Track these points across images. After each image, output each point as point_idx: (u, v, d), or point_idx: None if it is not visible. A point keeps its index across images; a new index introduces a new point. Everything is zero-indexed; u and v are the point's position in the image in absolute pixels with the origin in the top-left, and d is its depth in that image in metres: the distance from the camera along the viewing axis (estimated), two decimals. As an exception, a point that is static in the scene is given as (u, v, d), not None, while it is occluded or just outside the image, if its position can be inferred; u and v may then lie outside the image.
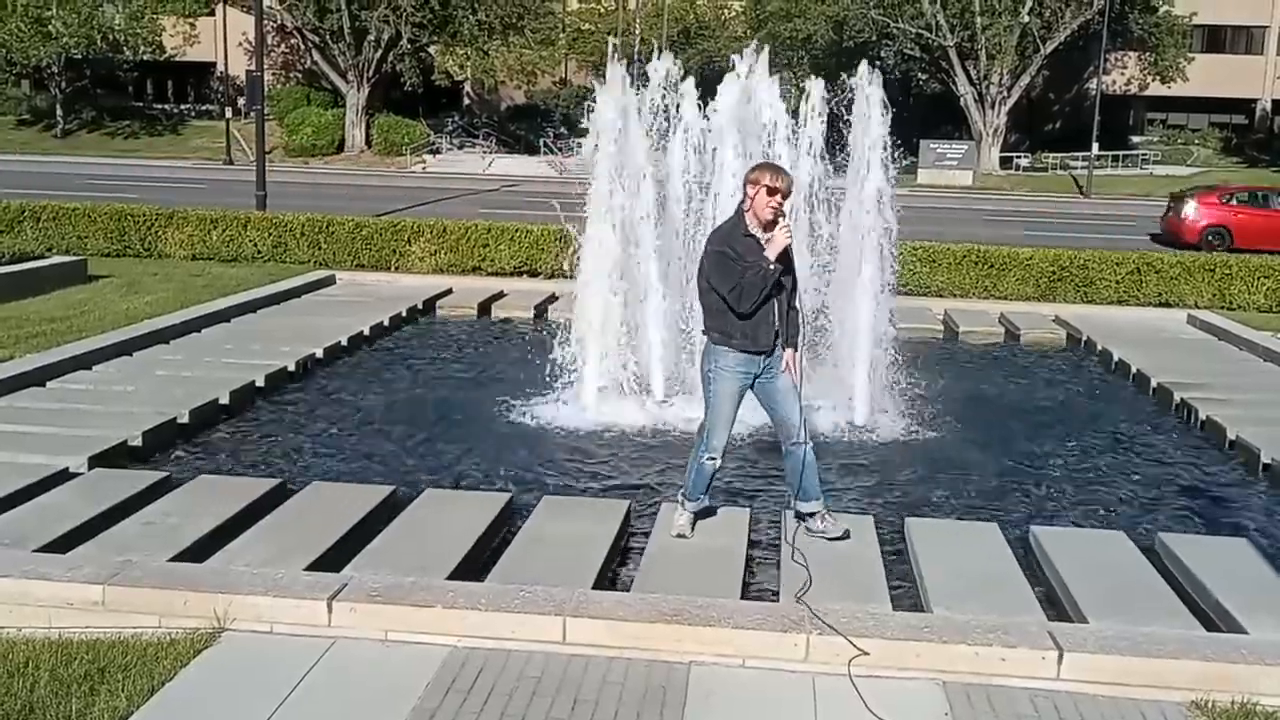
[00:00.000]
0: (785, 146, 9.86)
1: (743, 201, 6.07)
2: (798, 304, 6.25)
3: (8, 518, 6.20)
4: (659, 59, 9.65)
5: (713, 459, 6.19)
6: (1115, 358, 12.01)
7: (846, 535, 6.18)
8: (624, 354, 9.37)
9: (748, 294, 5.88)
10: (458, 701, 4.54)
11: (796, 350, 6.17)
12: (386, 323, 12.66)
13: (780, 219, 5.89)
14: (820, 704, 4.65)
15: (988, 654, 4.86)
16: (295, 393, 9.78)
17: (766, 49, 9.78)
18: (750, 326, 5.97)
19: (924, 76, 52.50)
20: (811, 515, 6.22)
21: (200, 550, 5.84)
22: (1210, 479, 8.23)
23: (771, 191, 5.87)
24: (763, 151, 9.54)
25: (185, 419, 8.38)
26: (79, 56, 50.55)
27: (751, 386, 6.13)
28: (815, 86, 9.74)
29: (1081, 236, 26.88)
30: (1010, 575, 5.92)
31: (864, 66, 9.52)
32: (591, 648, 4.95)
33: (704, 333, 6.23)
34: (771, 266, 5.85)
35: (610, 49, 9.37)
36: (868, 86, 9.38)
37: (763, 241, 5.92)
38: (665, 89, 9.64)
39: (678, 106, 9.77)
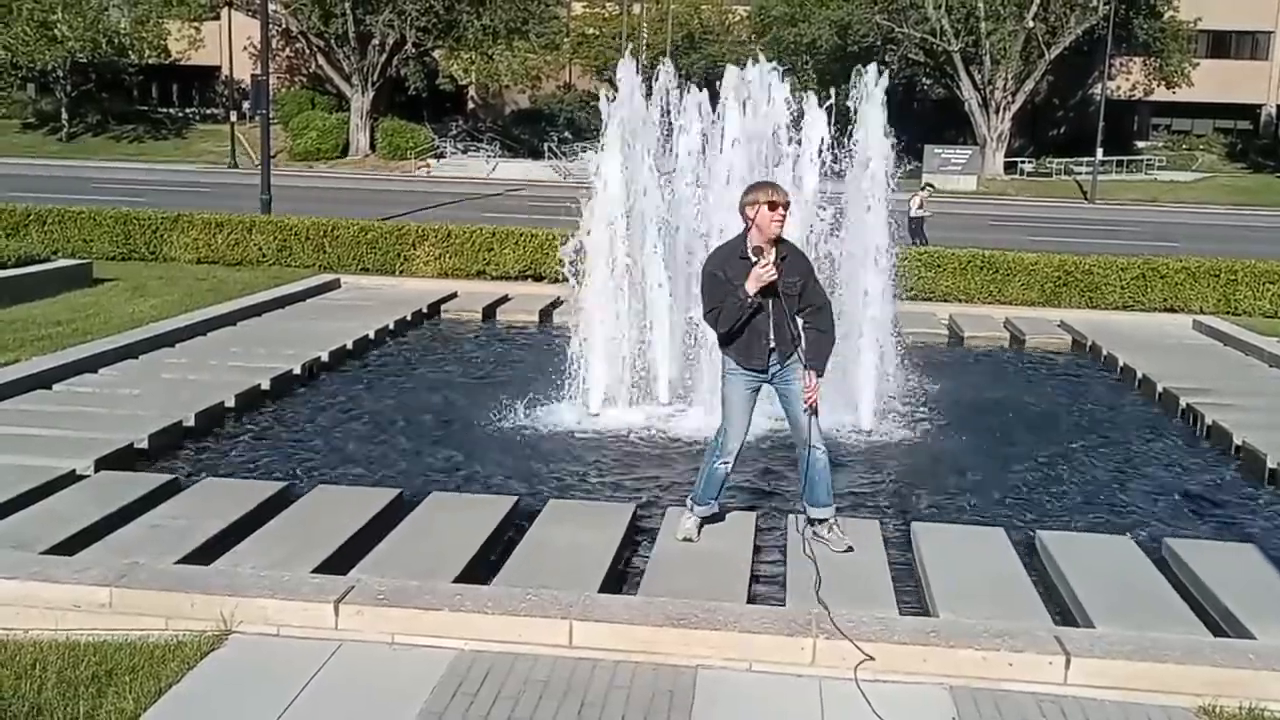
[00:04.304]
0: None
1: (747, 225, 5.99)
2: (828, 327, 6.04)
3: (15, 520, 6.20)
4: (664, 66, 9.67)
5: (725, 464, 6.18)
6: (1121, 363, 12.00)
7: (850, 550, 6.13)
8: (629, 358, 9.37)
9: (724, 319, 5.90)
10: (464, 705, 4.54)
11: (820, 374, 5.93)
12: (392, 326, 12.68)
13: (763, 257, 5.76)
14: (827, 708, 4.65)
15: (995, 659, 4.86)
16: (301, 396, 9.79)
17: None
18: (741, 345, 5.98)
19: (928, 82, 52.49)
20: (820, 523, 6.21)
21: (207, 553, 5.85)
22: (1216, 484, 8.22)
23: (773, 206, 5.84)
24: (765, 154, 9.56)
25: (191, 422, 8.39)
26: (84, 60, 50.67)
27: (771, 381, 6.07)
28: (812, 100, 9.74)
29: (1086, 241, 26.86)
30: (1017, 580, 5.91)
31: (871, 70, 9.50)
32: (598, 651, 4.95)
33: None
34: (749, 300, 5.80)
35: (627, 57, 9.33)
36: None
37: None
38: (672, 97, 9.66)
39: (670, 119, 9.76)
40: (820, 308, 6.07)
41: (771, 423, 7.97)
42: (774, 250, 5.84)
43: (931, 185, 27.15)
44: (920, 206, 22.83)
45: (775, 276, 5.77)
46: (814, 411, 5.96)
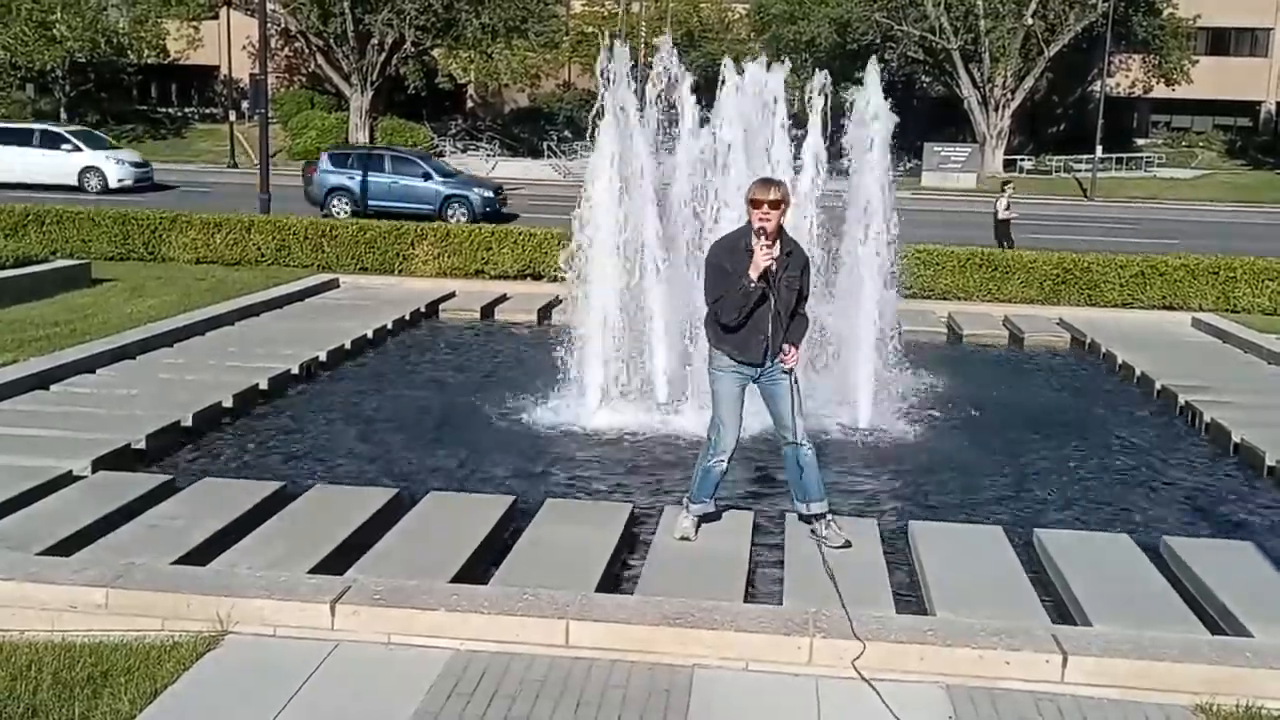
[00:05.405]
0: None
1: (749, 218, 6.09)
2: (805, 311, 6.25)
3: (12, 521, 6.20)
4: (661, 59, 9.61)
5: (721, 462, 6.19)
6: (1119, 360, 11.99)
7: (848, 545, 6.14)
8: (627, 357, 9.35)
9: (727, 309, 5.94)
10: (460, 705, 4.54)
11: (796, 347, 6.13)
12: (390, 326, 12.67)
13: (762, 237, 5.86)
14: (824, 707, 4.64)
15: (992, 657, 4.85)
16: (298, 396, 9.78)
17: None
18: (739, 338, 6.01)
19: (928, 79, 52.47)
20: (816, 518, 6.22)
21: (203, 553, 5.85)
22: (1215, 482, 8.21)
23: (756, 204, 5.90)
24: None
25: (189, 422, 8.39)
26: (83, 60, 50.52)
27: (758, 379, 6.13)
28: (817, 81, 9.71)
29: (1087, 239, 26.83)
30: (1014, 578, 5.91)
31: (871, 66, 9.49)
32: (595, 651, 4.95)
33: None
34: (752, 286, 5.85)
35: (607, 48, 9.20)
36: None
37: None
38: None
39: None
40: (805, 298, 6.23)
41: (767, 421, 7.95)
42: (776, 243, 5.90)
43: (1011, 184, 24.81)
44: (1007, 208, 22.05)
45: (771, 259, 5.84)
46: (796, 396, 6.02)
